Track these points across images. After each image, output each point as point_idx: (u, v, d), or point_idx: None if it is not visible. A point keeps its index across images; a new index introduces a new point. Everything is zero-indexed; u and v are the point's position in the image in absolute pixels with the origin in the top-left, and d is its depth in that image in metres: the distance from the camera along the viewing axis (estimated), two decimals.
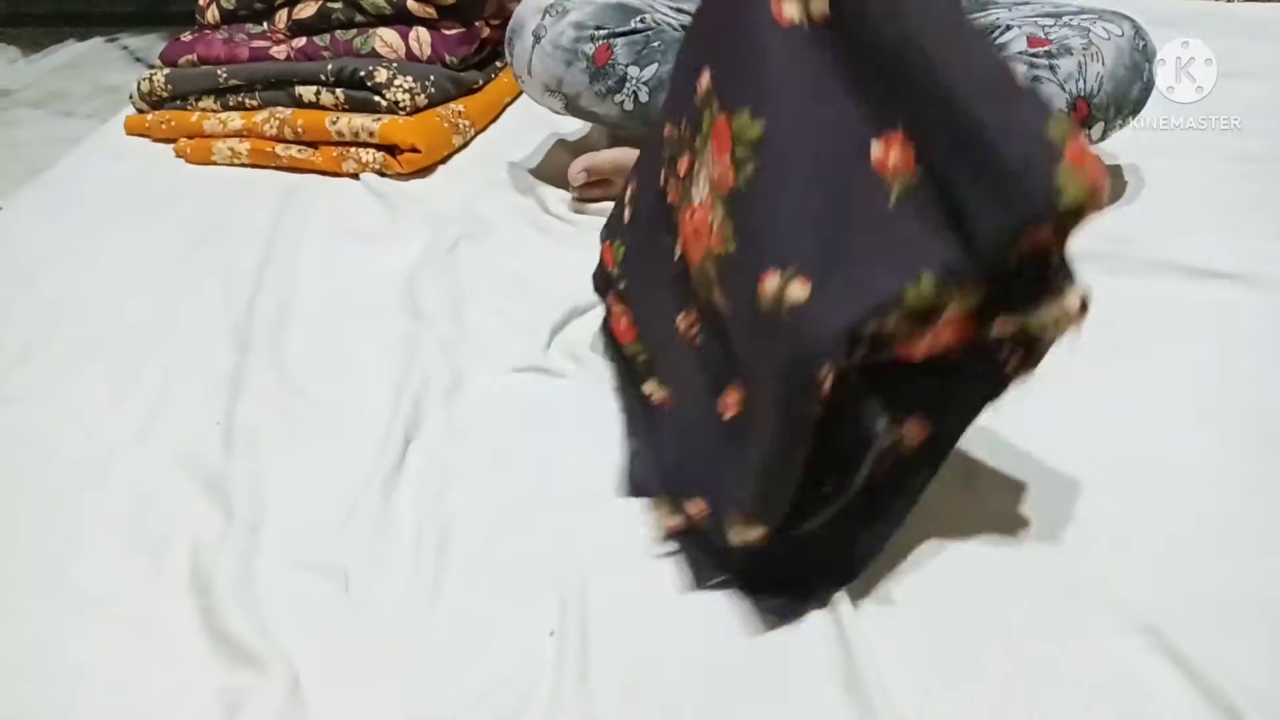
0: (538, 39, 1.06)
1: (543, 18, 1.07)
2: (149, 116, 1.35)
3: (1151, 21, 1.46)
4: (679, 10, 1.12)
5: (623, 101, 1.06)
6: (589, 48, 1.05)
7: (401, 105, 1.23)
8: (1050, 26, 0.98)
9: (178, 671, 0.63)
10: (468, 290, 0.98)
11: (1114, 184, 1.05)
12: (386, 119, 1.21)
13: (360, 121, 1.21)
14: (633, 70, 1.04)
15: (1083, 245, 0.83)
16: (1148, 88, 0.96)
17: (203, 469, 0.78)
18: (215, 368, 0.89)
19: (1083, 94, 0.94)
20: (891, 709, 0.56)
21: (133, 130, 1.36)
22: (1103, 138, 0.98)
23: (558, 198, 1.13)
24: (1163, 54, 1.26)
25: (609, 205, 1.06)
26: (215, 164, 1.28)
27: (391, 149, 1.21)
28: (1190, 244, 0.96)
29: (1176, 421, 0.76)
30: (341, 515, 0.73)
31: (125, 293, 1.02)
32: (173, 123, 1.32)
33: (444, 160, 1.25)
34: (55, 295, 1.03)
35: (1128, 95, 0.95)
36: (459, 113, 1.27)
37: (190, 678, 0.62)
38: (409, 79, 1.24)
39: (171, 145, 1.31)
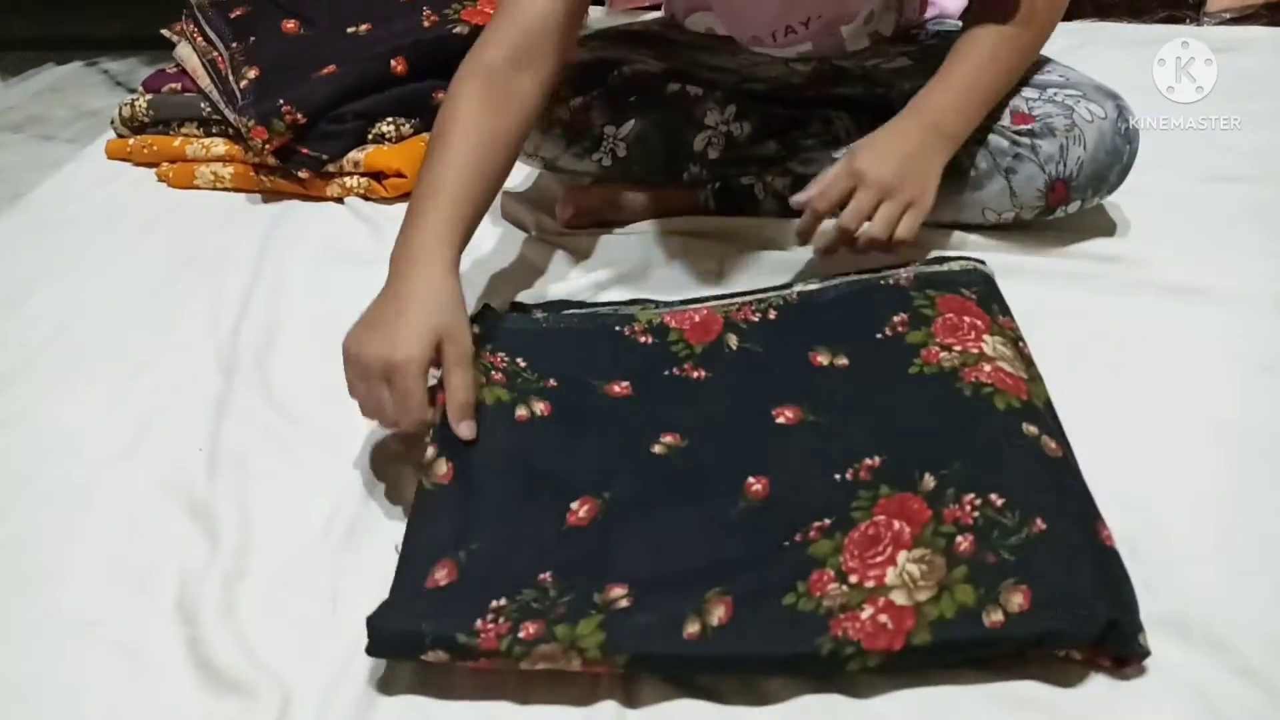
0: None
1: None
2: (130, 141, 1.34)
3: (1123, 43, 1.47)
4: (659, 57, 1.09)
5: (600, 159, 1.05)
6: (564, 113, 1.03)
7: (388, 137, 1.24)
8: (1034, 101, 0.96)
9: (165, 700, 0.63)
10: None
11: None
12: (371, 148, 1.22)
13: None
14: (609, 129, 1.03)
15: (1067, 266, 0.83)
16: (1126, 169, 0.96)
17: (189, 493, 0.78)
18: (201, 391, 0.89)
19: (1061, 176, 0.94)
20: None
21: (114, 155, 1.35)
22: (1077, 211, 0.99)
23: (543, 222, 1.13)
24: (1162, 54, 1.26)
25: (595, 230, 1.07)
26: (198, 188, 1.27)
27: (377, 174, 1.21)
28: (1172, 261, 0.97)
29: (1162, 437, 0.77)
30: (327, 538, 0.73)
31: (110, 316, 1.02)
32: (155, 147, 1.31)
33: None
34: (39, 319, 1.02)
35: (1105, 179, 0.96)
36: None
37: (177, 706, 0.62)
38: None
39: (154, 170, 1.31)
